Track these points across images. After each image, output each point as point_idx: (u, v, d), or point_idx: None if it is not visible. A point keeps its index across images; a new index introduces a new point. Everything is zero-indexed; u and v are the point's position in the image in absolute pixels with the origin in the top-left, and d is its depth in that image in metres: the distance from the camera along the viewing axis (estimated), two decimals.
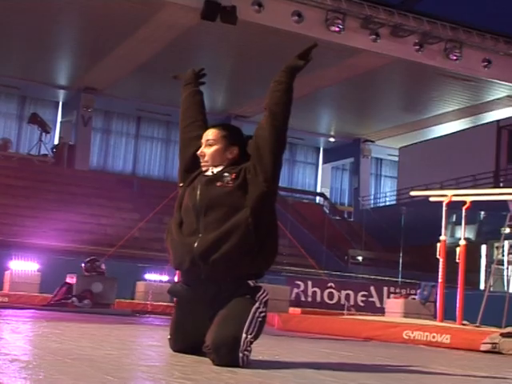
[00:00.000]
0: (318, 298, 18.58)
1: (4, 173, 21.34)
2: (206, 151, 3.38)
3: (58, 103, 26.12)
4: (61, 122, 25.88)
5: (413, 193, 11.78)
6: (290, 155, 30.58)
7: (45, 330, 4.93)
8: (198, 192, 3.27)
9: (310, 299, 18.48)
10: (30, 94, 25.37)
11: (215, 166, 3.37)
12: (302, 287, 18.60)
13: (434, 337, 7.79)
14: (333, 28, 18.69)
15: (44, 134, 24.11)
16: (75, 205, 19.89)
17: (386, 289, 17.01)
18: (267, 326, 9.87)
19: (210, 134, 3.41)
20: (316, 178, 31.07)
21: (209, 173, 3.35)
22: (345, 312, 13.76)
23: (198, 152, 3.40)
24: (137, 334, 5.44)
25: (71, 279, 11.79)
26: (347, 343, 6.69)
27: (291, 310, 13.15)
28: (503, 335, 7.02)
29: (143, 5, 17.20)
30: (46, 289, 13.24)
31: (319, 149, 31.05)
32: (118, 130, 27.22)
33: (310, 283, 18.62)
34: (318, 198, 29.96)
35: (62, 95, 25.58)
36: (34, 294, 12.63)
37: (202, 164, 3.39)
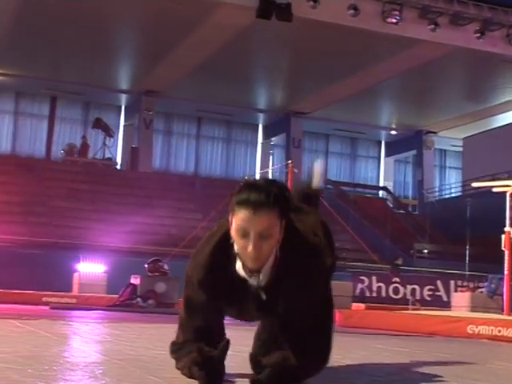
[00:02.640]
0: (383, 293, 18.41)
1: (70, 177, 21.84)
2: (261, 248, 2.32)
3: (121, 107, 26.56)
4: (124, 126, 26.32)
5: (475, 184, 11.60)
6: (352, 149, 30.37)
7: (105, 331, 5.04)
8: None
9: (374, 294, 18.33)
10: (94, 99, 25.87)
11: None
12: (367, 282, 18.45)
13: (499, 331, 7.63)
14: (390, 20, 18.47)
15: (108, 137, 24.57)
16: (139, 206, 20.23)
17: (452, 282, 16.72)
18: None
19: (260, 223, 2.30)
20: (378, 172, 30.76)
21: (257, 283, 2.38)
22: (409, 307, 13.60)
23: (250, 248, 2.30)
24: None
25: (135, 280, 12.02)
26: (408, 339, 6.62)
27: (354, 305, 13.07)
28: None
29: (199, 6, 17.34)
30: (113, 290, 13.53)
31: (381, 142, 30.74)
32: (179, 131, 27.52)
33: (374, 278, 18.46)
34: (380, 192, 29.68)
35: (124, 99, 26.01)
36: (100, 295, 12.92)
37: (248, 261, 2.34)
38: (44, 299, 12.21)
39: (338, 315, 9.64)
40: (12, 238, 16.89)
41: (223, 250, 2.38)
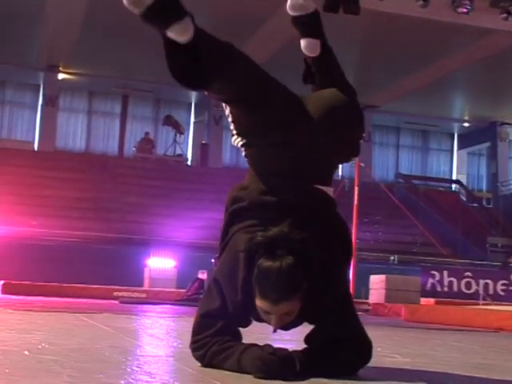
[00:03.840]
0: (455, 288, 18.09)
1: (142, 174, 22.26)
2: (283, 322, 2.44)
3: (191, 104, 26.87)
4: (194, 123, 26.63)
5: None
6: (424, 142, 29.91)
7: (165, 325, 5.15)
8: None
9: (446, 289, 18.04)
10: (164, 96, 26.25)
11: None
12: (438, 277, 18.17)
13: None
14: (460, 9, 18.10)
15: (178, 134, 24.91)
16: (210, 202, 20.40)
17: None
18: (395, 316, 9.72)
19: (282, 309, 2.37)
20: (451, 165, 30.20)
21: None
22: (480, 302, 13.33)
23: (272, 323, 2.41)
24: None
25: (202, 275, 12.17)
26: (470, 334, 6.52)
27: (423, 300, 12.86)
28: None
29: (265, 1, 17.38)
30: (183, 284, 13.72)
31: (453, 134, 30.16)
32: None
33: (445, 273, 18.17)
34: (453, 186, 29.13)
35: (193, 96, 26.29)
36: (170, 290, 13.12)
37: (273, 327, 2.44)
38: (115, 293, 12.47)
39: (403, 310, 9.55)
40: (85, 233, 17.33)
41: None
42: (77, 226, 17.78)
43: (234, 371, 2.37)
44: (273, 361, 2.31)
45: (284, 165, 2.63)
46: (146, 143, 24.85)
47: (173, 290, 13.27)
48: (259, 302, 2.37)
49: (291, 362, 2.35)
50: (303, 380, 2.28)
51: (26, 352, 2.69)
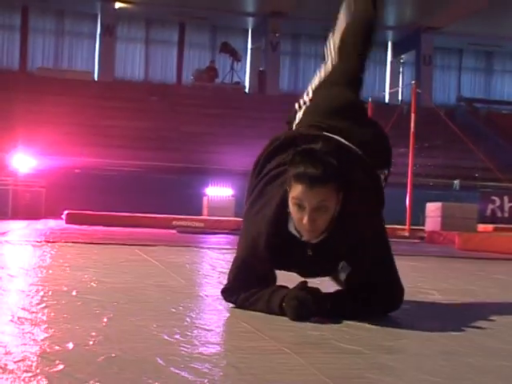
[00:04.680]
0: None
1: (200, 102, 22.35)
2: (316, 220, 2.37)
3: (248, 30, 26.65)
4: (251, 49, 26.44)
5: None
6: (487, 64, 29.07)
7: (217, 258, 5.32)
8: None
9: (506, 215, 17.85)
10: (221, 23, 26.09)
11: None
12: (498, 203, 17.97)
13: None
14: None
15: (235, 62, 24.80)
16: (268, 129, 20.40)
17: None
18: (450, 244, 9.71)
19: (316, 197, 2.33)
20: None
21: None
22: None
23: (304, 220, 2.36)
24: None
25: None
26: None
27: (481, 227, 12.76)
28: None
29: None
30: (240, 212, 13.95)
31: None
32: (306, 52, 27.32)
33: (506, 198, 17.94)
34: None
35: (250, 22, 26.06)
36: (228, 219, 13.33)
37: (304, 232, 2.42)
38: (174, 223, 12.76)
39: (457, 238, 9.53)
40: (145, 163, 17.63)
41: (282, 211, 2.45)
42: (137, 155, 18.09)
43: (264, 312, 2.47)
44: (306, 298, 2.38)
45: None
46: (210, 71, 24.82)
47: (230, 218, 13.47)
48: (294, 192, 2.34)
49: (323, 299, 2.44)
50: (333, 319, 2.37)
51: (74, 293, 2.85)
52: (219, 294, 2.66)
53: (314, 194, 2.32)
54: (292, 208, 2.39)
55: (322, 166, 2.32)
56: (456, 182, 19.97)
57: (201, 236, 10.22)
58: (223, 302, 2.76)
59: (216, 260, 5.22)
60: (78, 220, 12.34)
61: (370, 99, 15.81)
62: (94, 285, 3.18)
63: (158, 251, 5.97)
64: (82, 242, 6.64)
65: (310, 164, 2.32)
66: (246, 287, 2.58)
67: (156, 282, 3.44)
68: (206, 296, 3.01)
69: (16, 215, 14.92)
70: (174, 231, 11.17)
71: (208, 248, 7.01)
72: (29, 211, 14.97)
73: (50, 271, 3.74)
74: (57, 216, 14.12)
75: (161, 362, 1.67)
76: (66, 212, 13.13)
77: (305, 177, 2.31)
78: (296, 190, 2.35)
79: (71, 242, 6.66)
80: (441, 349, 2.02)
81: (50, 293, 2.83)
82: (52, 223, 12.31)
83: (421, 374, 1.68)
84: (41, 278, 3.44)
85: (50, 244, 6.14)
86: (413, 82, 14.56)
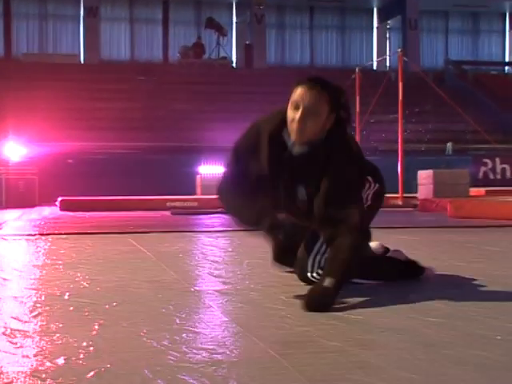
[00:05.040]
0: (508, 175, 17.99)
1: (187, 79, 22.30)
2: (306, 121, 2.71)
3: (232, 4, 26.50)
4: (236, 23, 26.31)
5: None
6: (473, 25, 28.99)
7: (204, 244, 5.38)
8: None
9: (498, 177, 17.95)
10: None
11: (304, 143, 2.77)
12: (490, 165, 18.06)
13: None
14: None
15: (221, 37, 24.69)
16: (257, 103, 20.41)
17: None
18: (443, 211, 9.77)
19: (311, 98, 2.69)
20: (504, 47, 29.29)
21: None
22: None
23: (296, 118, 2.70)
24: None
25: None
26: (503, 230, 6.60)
27: (473, 190, 12.80)
28: None
29: None
30: None
31: (505, 14, 29.11)
32: (291, 24, 27.20)
33: (497, 160, 18.03)
34: (506, 68, 28.36)
35: None
36: None
37: (293, 133, 2.74)
38: (168, 204, 12.83)
39: (448, 206, 9.62)
40: (136, 144, 17.63)
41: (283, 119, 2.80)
42: (127, 137, 18.09)
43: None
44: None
45: None
46: (197, 47, 24.71)
47: None
48: (293, 96, 2.72)
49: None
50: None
51: (67, 296, 2.91)
52: (209, 288, 2.71)
53: (310, 95, 2.69)
54: (289, 112, 2.74)
55: (323, 81, 2.76)
56: (448, 144, 20.00)
57: (194, 217, 10.28)
58: (213, 297, 2.82)
59: (208, 247, 5.27)
60: (72, 207, 12.40)
61: (357, 69, 15.81)
62: (87, 285, 3.24)
63: (150, 239, 6.03)
64: (75, 233, 6.70)
65: (315, 78, 2.77)
66: (236, 184, 2.92)
67: (148, 277, 3.50)
68: (197, 291, 3.07)
69: (10, 204, 14.94)
70: (168, 213, 11.24)
71: (201, 232, 7.07)
72: (23, 199, 15.00)
73: (44, 271, 3.80)
74: (51, 203, 14.17)
75: (148, 374, 1.72)
76: (59, 199, 13.17)
77: (305, 80, 2.76)
78: (296, 92, 2.73)
79: (65, 233, 6.72)
80: (421, 340, 2.08)
81: (43, 297, 2.88)
82: (46, 211, 12.36)
83: (401, 371, 1.74)
84: (34, 280, 3.49)
85: (43, 237, 6.19)
86: (399, 49, 14.50)
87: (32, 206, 14.62)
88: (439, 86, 23.73)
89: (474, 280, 3.27)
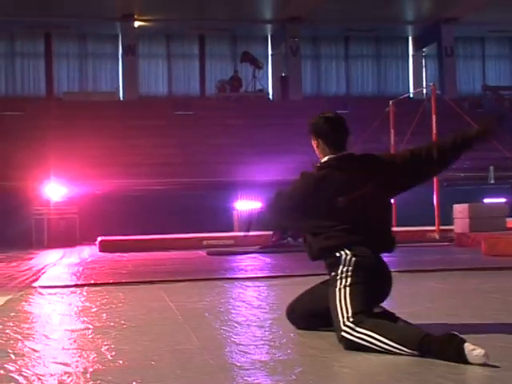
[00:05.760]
0: None
1: (224, 114, 22.53)
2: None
3: (267, 37, 26.74)
4: (271, 55, 26.56)
5: None
6: (510, 50, 28.75)
7: (240, 299, 5.47)
8: None
9: None
10: (240, 33, 26.25)
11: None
12: None
13: None
14: None
15: (257, 70, 24.92)
16: (294, 135, 20.52)
17: None
18: (476, 249, 9.67)
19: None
20: None
21: None
22: None
23: None
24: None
25: None
26: None
27: (509, 220, 12.59)
28: None
29: None
30: None
31: None
32: (327, 54, 27.29)
33: None
34: None
35: (269, 29, 26.19)
36: (258, 234, 13.43)
37: None
38: (205, 242, 12.98)
39: (483, 244, 9.55)
40: (172, 180, 17.83)
41: None
42: (165, 172, 18.32)
43: None
44: None
45: None
46: (235, 81, 25.00)
47: (260, 232, 13.60)
48: None
49: None
50: None
51: (88, 375, 3.03)
52: (223, 362, 2.78)
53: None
54: None
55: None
56: (491, 168, 19.76)
57: (231, 258, 10.36)
58: (226, 374, 2.91)
59: (238, 302, 5.35)
60: (111, 247, 12.61)
61: (390, 102, 15.85)
62: (111, 357, 3.35)
63: (181, 290, 6.16)
64: (109, 284, 6.86)
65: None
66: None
67: (170, 345, 3.61)
68: (211, 364, 3.15)
69: (52, 243, 15.26)
70: (203, 253, 11.36)
71: (236, 279, 7.12)
72: (64, 239, 15.31)
73: (72, 339, 3.93)
74: (91, 242, 14.43)
75: None
76: (99, 239, 13.42)
77: None
78: None
79: (100, 283, 6.90)
80: None
81: (66, 376, 3.01)
82: (86, 252, 12.59)
83: None
84: (60, 351, 3.62)
85: (78, 290, 6.38)
86: (431, 84, 14.53)
87: (73, 245, 14.91)
88: (477, 111, 23.63)
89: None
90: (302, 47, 25.65)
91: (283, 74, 25.58)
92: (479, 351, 2.84)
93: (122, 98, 24.75)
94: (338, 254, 3.54)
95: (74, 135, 19.61)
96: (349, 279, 3.45)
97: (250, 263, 9.30)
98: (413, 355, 3.05)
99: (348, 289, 3.42)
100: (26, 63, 25.30)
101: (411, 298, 5.28)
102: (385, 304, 4.42)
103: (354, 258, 3.49)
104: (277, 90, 25.72)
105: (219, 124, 21.74)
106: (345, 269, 3.49)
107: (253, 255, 10.81)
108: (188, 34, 25.95)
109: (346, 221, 3.55)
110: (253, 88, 24.94)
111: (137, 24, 24.51)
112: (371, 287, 3.44)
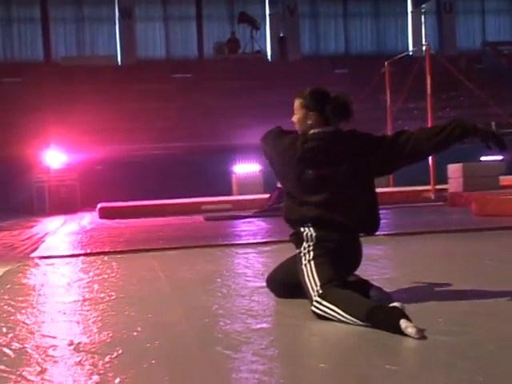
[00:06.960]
0: None
1: (222, 76, 22.51)
2: (294, 119, 3.87)
3: None
4: (269, 15, 26.39)
5: None
6: (510, 5, 28.51)
7: (231, 266, 5.64)
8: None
9: None
10: None
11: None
12: None
13: None
14: None
15: (255, 30, 24.81)
16: (292, 97, 20.53)
17: None
18: (468, 209, 9.78)
19: (294, 104, 3.85)
20: None
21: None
22: None
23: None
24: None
25: None
26: None
27: (505, 179, 12.71)
28: None
29: None
30: (269, 187, 14.22)
31: None
32: (325, 13, 27.11)
33: None
34: None
35: None
36: (253, 198, 13.65)
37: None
38: (203, 207, 13.16)
39: (473, 204, 9.68)
40: (173, 145, 17.94)
41: None
42: (165, 137, 18.42)
43: None
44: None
45: None
46: (232, 43, 24.92)
47: (256, 196, 13.80)
48: None
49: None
50: None
51: (72, 347, 3.21)
52: (201, 333, 2.93)
53: (295, 103, 3.84)
54: None
55: (302, 92, 3.85)
56: (493, 123, 19.74)
57: (228, 223, 10.51)
58: (202, 345, 3.08)
59: (226, 271, 5.50)
60: (110, 214, 12.80)
61: (386, 63, 15.86)
62: (96, 329, 3.53)
63: (173, 259, 6.34)
64: (105, 253, 7.05)
65: (302, 92, 3.87)
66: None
67: (154, 316, 3.77)
68: (189, 335, 3.32)
69: (53, 210, 15.47)
70: (201, 218, 11.53)
71: (226, 246, 7.28)
72: (65, 205, 15.52)
73: (62, 311, 4.11)
74: (92, 208, 14.63)
75: None
76: (98, 206, 13.60)
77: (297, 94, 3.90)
78: None
79: (96, 253, 7.08)
80: None
81: (52, 349, 3.18)
82: (86, 220, 12.78)
83: None
84: (50, 325, 3.80)
85: (74, 260, 6.57)
86: (426, 43, 14.50)
87: (74, 212, 15.11)
88: (476, 67, 23.54)
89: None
90: (300, 6, 25.49)
91: (281, 35, 25.46)
92: (411, 330, 2.91)
93: (119, 62, 24.71)
94: (301, 229, 3.70)
95: (72, 100, 19.68)
96: (311, 253, 3.59)
97: (245, 228, 9.45)
98: (370, 326, 3.19)
99: (312, 262, 3.56)
100: (22, 28, 25.25)
101: (393, 263, 5.44)
102: (367, 269, 4.60)
103: (315, 234, 3.63)
104: (275, 51, 25.62)
105: (217, 86, 21.74)
106: (307, 245, 3.64)
107: (249, 219, 10.98)
108: None
109: (314, 194, 3.67)
110: (251, 49, 24.86)
111: None
112: (335, 258, 3.57)
